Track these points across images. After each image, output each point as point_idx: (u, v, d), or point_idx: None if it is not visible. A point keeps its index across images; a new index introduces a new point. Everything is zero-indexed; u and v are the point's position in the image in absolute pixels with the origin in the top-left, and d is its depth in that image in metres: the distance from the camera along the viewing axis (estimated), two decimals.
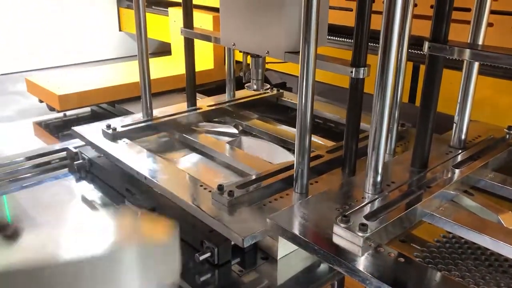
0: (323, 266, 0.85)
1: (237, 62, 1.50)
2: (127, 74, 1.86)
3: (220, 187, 0.88)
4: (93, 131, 1.22)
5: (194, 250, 0.86)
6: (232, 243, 0.84)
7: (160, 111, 1.35)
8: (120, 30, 2.45)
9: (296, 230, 0.73)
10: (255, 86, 1.17)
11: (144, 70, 1.26)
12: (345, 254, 0.68)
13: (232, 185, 0.91)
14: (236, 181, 0.93)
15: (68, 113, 1.75)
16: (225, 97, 1.49)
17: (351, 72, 0.89)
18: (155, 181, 0.98)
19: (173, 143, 1.31)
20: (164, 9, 2.14)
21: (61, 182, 1.21)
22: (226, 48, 1.40)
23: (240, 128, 1.38)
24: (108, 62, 2.40)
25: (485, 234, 0.75)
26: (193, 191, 0.94)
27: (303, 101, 0.83)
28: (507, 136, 1.04)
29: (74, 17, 2.31)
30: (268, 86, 1.22)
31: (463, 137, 0.99)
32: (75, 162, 1.21)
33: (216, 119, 1.41)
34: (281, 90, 1.56)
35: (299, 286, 0.83)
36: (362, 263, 0.67)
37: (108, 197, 1.14)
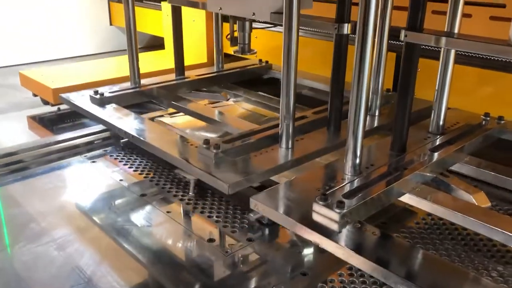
0: None
1: (226, 55, 1.53)
2: (121, 67, 1.88)
3: (207, 141, 0.92)
4: (81, 98, 1.25)
5: None
6: None
7: (148, 80, 1.38)
8: (111, 24, 2.47)
9: (278, 209, 0.76)
10: (241, 50, 1.22)
11: (132, 39, 1.29)
12: (324, 230, 0.71)
13: (218, 139, 0.95)
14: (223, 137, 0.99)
15: (62, 106, 1.77)
16: (213, 68, 1.52)
17: (335, 28, 0.93)
18: (142, 139, 1.03)
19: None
20: (157, 3, 2.16)
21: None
22: (214, 19, 1.44)
23: (228, 97, 1.41)
24: (99, 56, 2.42)
25: (458, 212, 0.79)
26: (180, 147, 0.99)
27: (287, 57, 0.88)
28: (483, 122, 1.08)
29: (65, 11, 2.33)
30: (255, 50, 1.27)
31: (441, 123, 1.03)
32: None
33: (204, 89, 1.44)
34: (270, 63, 1.58)
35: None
36: (339, 238, 0.71)
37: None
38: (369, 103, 1.17)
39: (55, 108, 1.74)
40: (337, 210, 0.71)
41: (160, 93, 1.34)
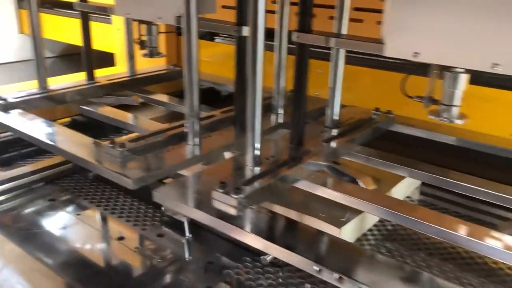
0: None
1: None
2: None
3: (112, 141, 0.94)
4: None
5: None
6: None
7: (57, 85, 1.35)
8: (21, 32, 2.38)
9: (180, 199, 0.80)
10: (149, 53, 1.26)
11: (37, 45, 1.27)
12: (224, 215, 0.76)
13: (124, 139, 0.98)
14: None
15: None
16: (126, 72, 1.53)
17: (235, 30, 1.00)
18: (48, 142, 1.02)
19: None
20: (71, 11, 2.11)
21: None
22: (124, 24, 1.47)
23: (140, 100, 1.42)
24: (7, 65, 2.32)
25: (347, 194, 0.88)
26: (88, 148, 1.00)
27: (188, 59, 0.93)
28: (374, 116, 1.19)
29: None
30: (163, 53, 1.31)
31: (335, 118, 1.12)
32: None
33: (116, 93, 1.44)
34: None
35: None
36: (239, 221, 0.76)
37: None
38: (274, 103, 1.25)
39: None
40: (234, 196, 0.76)
41: (70, 98, 1.33)
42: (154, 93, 1.49)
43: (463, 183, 0.95)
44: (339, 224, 0.87)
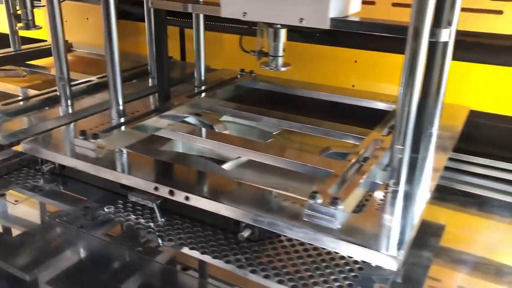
0: None
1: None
2: None
3: None
4: None
5: None
6: None
7: None
8: None
9: (47, 147, 0.91)
10: (25, 26, 1.35)
11: None
12: (84, 156, 0.88)
13: None
14: None
15: None
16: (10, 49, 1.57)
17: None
18: None
19: None
20: None
21: None
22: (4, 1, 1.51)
23: (24, 73, 1.48)
24: None
25: (199, 137, 1.02)
26: None
27: (53, 25, 1.03)
28: (238, 76, 1.35)
29: None
30: (40, 26, 1.37)
31: (202, 78, 1.27)
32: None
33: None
34: (69, 42, 1.68)
35: None
36: (97, 161, 0.87)
37: None
38: (149, 68, 1.37)
39: None
40: (92, 141, 0.88)
41: None
42: (40, 66, 1.55)
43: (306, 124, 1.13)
44: None
